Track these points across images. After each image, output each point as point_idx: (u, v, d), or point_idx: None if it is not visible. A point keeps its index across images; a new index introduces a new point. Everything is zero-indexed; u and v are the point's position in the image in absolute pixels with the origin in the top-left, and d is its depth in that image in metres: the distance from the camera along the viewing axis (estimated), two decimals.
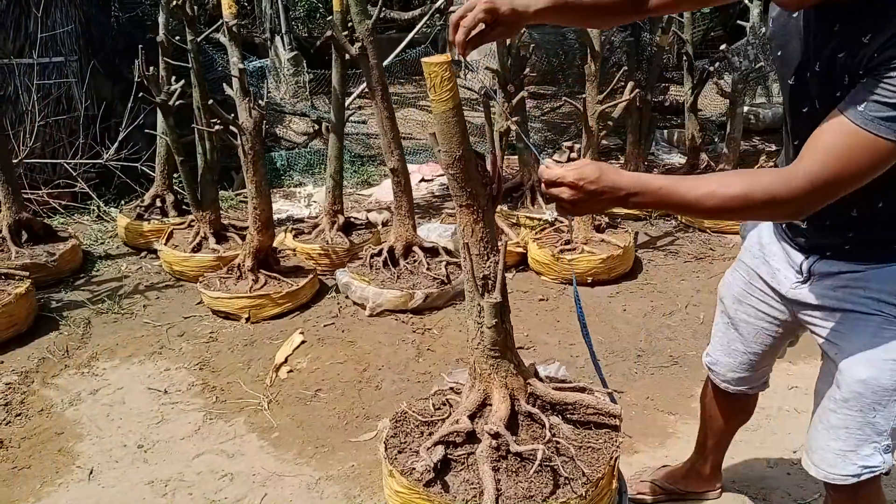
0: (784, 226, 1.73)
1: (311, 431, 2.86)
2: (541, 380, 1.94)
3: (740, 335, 1.90)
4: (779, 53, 1.56)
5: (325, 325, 3.69)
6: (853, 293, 1.55)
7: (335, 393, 3.11)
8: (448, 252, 4.08)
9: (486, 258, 1.71)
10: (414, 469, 1.74)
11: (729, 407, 2.13)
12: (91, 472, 2.65)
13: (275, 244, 4.01)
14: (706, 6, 1.64)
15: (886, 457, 1.57)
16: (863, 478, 1.59)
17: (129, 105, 4.94)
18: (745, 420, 2.21)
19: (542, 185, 1.47)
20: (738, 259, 1.93)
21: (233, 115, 3.59)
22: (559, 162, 1.47)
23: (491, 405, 1.80)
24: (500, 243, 1.69)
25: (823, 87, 1.41)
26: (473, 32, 1.50)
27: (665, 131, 7.27)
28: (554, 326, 3.64)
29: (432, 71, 1.53)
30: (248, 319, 3.70)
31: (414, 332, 3.59)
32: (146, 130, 4.91)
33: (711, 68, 5.33)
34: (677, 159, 6.68)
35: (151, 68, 4.14)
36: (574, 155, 6.73)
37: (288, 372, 3.28)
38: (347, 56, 4.16)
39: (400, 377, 3.21)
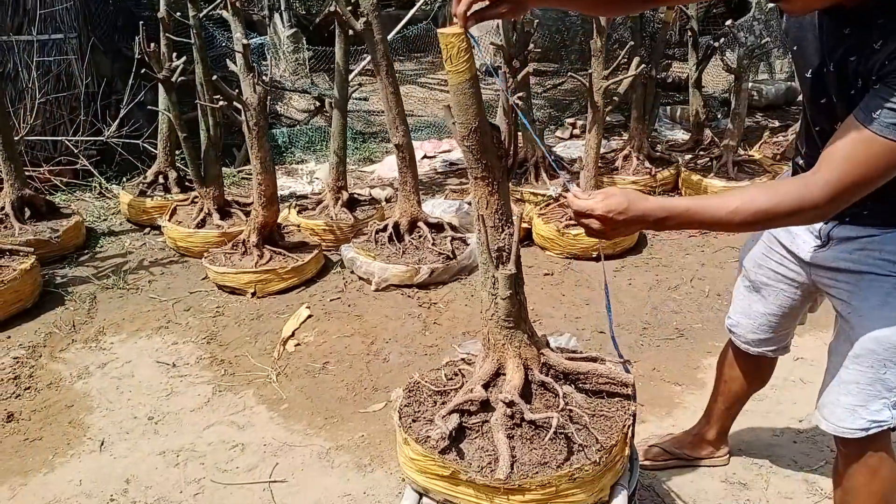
0: None
1: (320, 403, 2.88)
2: (553, 350, 1.95)
3: (761, 297, 1.95)
4: (795, 48, 1.59)
5: (331, 300, 3.70)
6: (869, 255, 1.60)
7: (343, 365, 3.13)
8: (453, 227, 4.08)
9: (500, 230, 1.72)
10: (429, 437, 1.76)
11: (747, 371, 2.18)
12: (102, 444, 2.67)
13: (279, 220, 4.01)
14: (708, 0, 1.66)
15: (895, 412, 1.63)
16: (871, 432, 1.64)
17: (130, 82, 4.90)
18: (760, 386, 2.25)
19: (572, 213, 1.52)
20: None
21: (237, 90, 3.57)
22: (567, 176, 1.50)
23: (505, 375, 1.81)
24: (514, 216, 1.70)
25: (839, 85, 1.45)
26: (476, 7, 1.49)
27: (668, 107, 7.25)
28: (559, 301, 3.66)
29: (448, 42, 1.52)
30: (253, 294, 3.71)
31: (420, 306, 3.61)
32: (148, 107, 4.89)
33: (716, 44, 5.30)
34: (680, 135, 6.67)
35: (153, 45, 4.11)
36: (577, 132, 6.71)
37: (295, 345, 3.29)
38: (351, 32, 4.14)
39: (407, 350, 3.23)
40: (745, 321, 2.04)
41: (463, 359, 2.14)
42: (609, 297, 1.81)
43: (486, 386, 1.82)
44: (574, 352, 2.09)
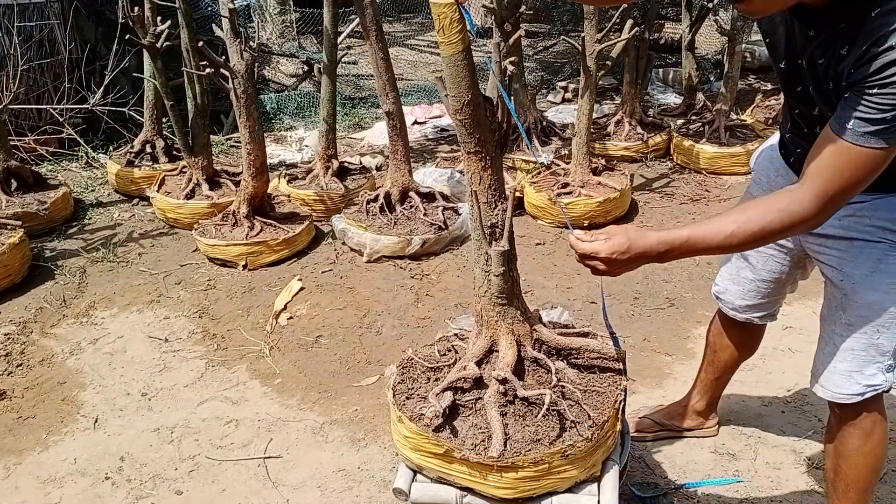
0: (793, 159, 1.77)
1: (313, 377, 2.88)
2: (545, 326, 1.95)
3: (749, 264, 1.97)
4: (767, 40, 1.61)
5: (322, 272, 3.68)
6: (858, 222, 1.61)
7: (336, 339, 3.13)
8: (445, 197, 4.06)
9: (493, 206, 1.70)
10: (423, 415, 1.76)
11: (736, 339, 2.20)
12: (96, 421, 2.67)
13: (269, 190, 3.97)
14: None
15: (888, 375, 1.67)
16: (866, 396, 1.68)
17: (114, 47, 4.79)
18: (749, 355, 2.28)
19: (576, 255, 1.58)
20: (746, 191, 2.00)
21: (223, 57, 3.50)
22: (565, 214, 1.48)
23: (498, 351, 1.81)
24: (507, 190, 1.68)
25: (812, 78, 1.48)
26: None
27: (660, 70, 7.17)
28: (551, 270, 3.66)
29: (441, 12, 1.48)
30: (245, 266, 3.69)
31: (412, 277, 3.60)
32: (134, 74, 4.79)
33: (710, 4, 5.22)
34: (672, 99, 6.61)
35: (136, 9, 4.00)
36: (569, 95, 6.64)
37: (288, 319, 3.29)
38: None
39: (400, 322, 3.23)
40: (733, 287, 2.06)
41: (456, 334, 2.14)
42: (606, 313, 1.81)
43: (479, 363, 1.82)
44: (566, 326, 2.09)
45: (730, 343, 2.23)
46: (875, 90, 1.29)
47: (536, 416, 1.71)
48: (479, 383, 1.80)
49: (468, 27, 1.50)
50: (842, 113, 1.35)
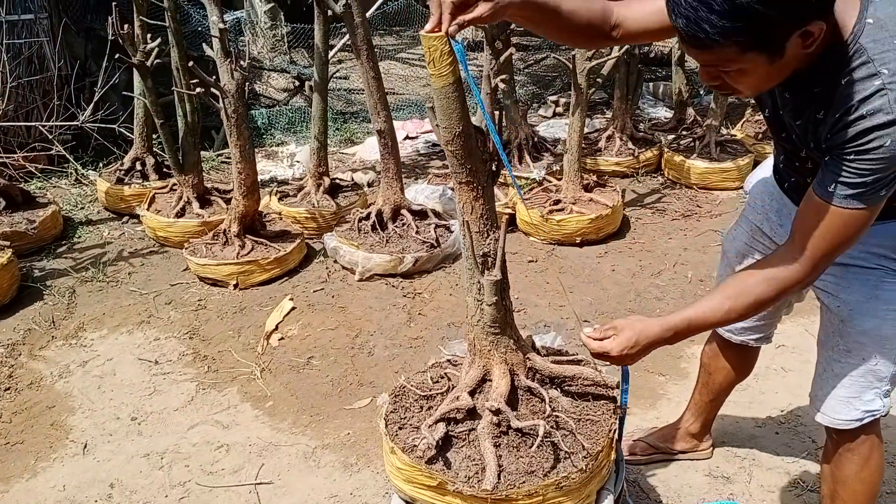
0: (787, 185, 1.78)
1: (305, 400, 2.86)
2: (538, 352, 1.94)
3: None
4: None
5: (314, 291, 3.67)
6: (854, 248, 1.59)
7: (328, 360, 3.11)
8: (437, 214, 4.05)
9: (485, 235, 1.69)
10: (416, 446, 1.75)
11: (732, 361, 2.20)
12: (85, 446, 2.64)
13: (260, 208, 3.95)
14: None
15: (886, 401, 1.69)
16: (864, 421, 1.69)
17: (104, 64, 4.77)
18: (743, 377, 2.28)
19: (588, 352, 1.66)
20: (742, 215, 2.02)
21: (214, 76, 3.49)
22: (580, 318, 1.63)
23: (491, 381, 1.80)
24: (500, 220, 1.67)
25: (793, 132, 1.51)
26: (459, 19, 1.41)
27: (650, 84, 7.20)
28: (543, 288, 3.65)
29: (431, 45, 1.47)
30: (236, 286, 3.67)
31: (404, 296, 3.58)
32: (123, 92, 4.77)
33: None
34: (663, 113, 6.64)
35: (126, 26, 3.99)
36: (560, 109, 6.65)
37: (279, 339, 3.27)
38: (330, 12, 4.05)
39: (392, 342, 3.21)
40: None
41: (449, 360, 2.13)
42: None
43: (472, 393, 1.81)
44: (560, 352, 2.08)
45: (725, 365, 2.23)
46: (852, 156, 1.31)
47: (531, 448, 1.70)
48: (472, 413, 1.79)
49: (458, 60, 1.49)
50: (823, 177, 1.38)
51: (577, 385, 1.89)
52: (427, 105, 1.66)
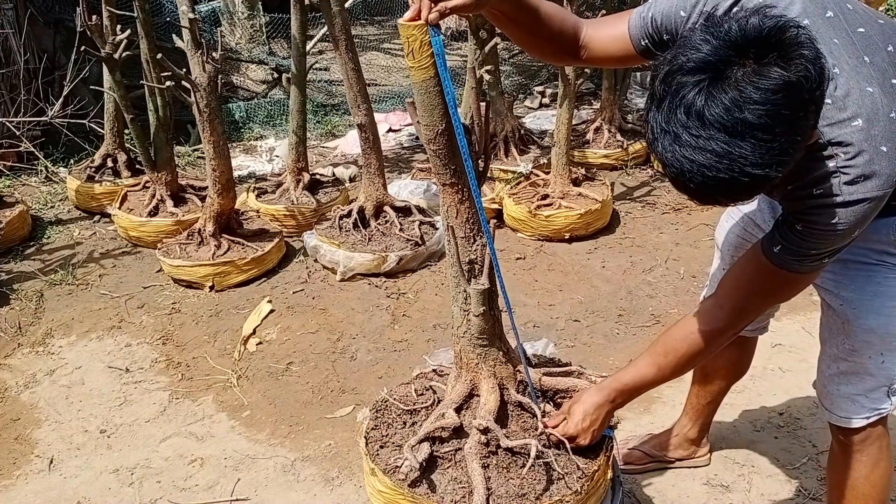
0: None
1: (284, 408, 2.73)
2: (530, 363, 1.82)
3: None
4: None
5: (294, 292, 3.52)
6: (854, 245, 1.53)
7: (308, 365, 2.97)
8: (421, 210, 3.91)
9: (472, 241, 1.56)
10: (398, 467, 1.62)
11: (727, 357, 2.12)
12: (51, 462, 2.50)
13: (237, 205, 3.80)
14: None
15: (893, 399, 1.65)
16: (871, 419, 1.66)
17: (73, 56, 4.58)
18: (741, 374, 2.21)
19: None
20: (732, 207, 1.93)
21: (185, 69, 3.32)
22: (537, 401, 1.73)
23: (479, 396, 1.68)
24: (489, 225, 1.54)
25: None
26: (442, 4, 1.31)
27: (638, 73, 7.07)
28: (532, 287, 3.53)
29: (410, 35, 1.34)
30: (212, 288, 3.52)
31: (388, 296, 3.45)
32: (92, 86, 4.58)
33: None
34: None
35: (95, 17, 3.81)
36: (546, 100, 6.52)
37: (257, 344, 3.13)
38: (308, 1, 3.89)
39: (375, 346, 3.08)
40: None
41: (434, 370, 2.01)
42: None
43: (458, 409, 1.68)
44: (552, 360, 1.96)
45: (722, 363, 2.15)
46: (800, 226, 1.32)
47: (522, 468, 1.58)
48: (458, 432, 1.67)
49: (435, 52, 1.36)
50: (772, 235, 1.40)
51: (569, 396, 1.77)
52: (407, 100, 1.53)
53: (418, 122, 1.49)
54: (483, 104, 1.64)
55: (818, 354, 1.73)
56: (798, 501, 2.22)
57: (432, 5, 1.31)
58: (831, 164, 1.25)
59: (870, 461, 1.71)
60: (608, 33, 1.50)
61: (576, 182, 4.09)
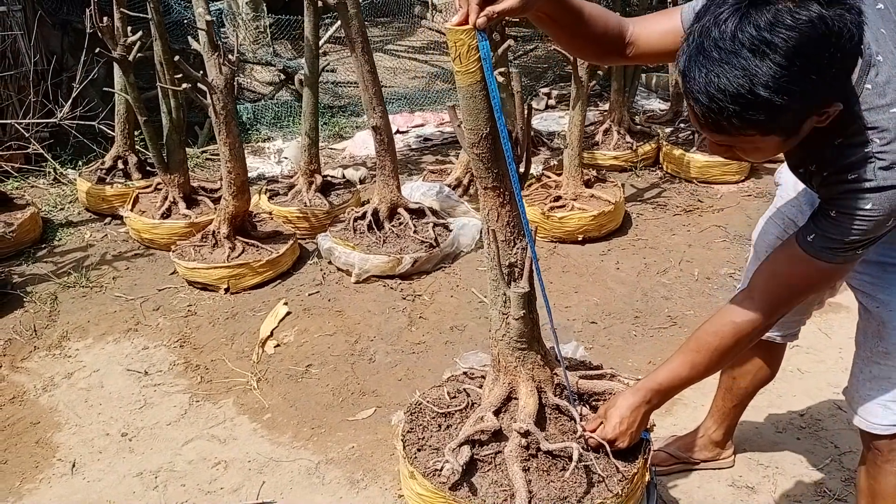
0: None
1: (305, 411, 2.73)
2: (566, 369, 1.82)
3: None
4: None
5: (309, 294, 3.52)
6: (892, 247, 1.55)
7: (327, 368, 2.97)
8: (434, 212, 3.91)
9: (512, 244, 1.57)
10: (438, 470, 1.63)
11: (758, 361, 2.12)
12: (74, 465, 2.49)
13: (249, 207, 3.79)
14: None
15: None
16: None
17: (82, 58, 4.57)
18: (769, 378, 2.19)
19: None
20: (773, 206, 1.96)
21: (201, 71, 3.32)
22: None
23: (517, 399, 1.68)
24: (530, 229, 1.54)
25: (799, 176, 1.51)
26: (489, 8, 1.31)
27: (643, 75, 7.10)
28: (547, 289, 3.48)
29: (457, 39, 1.34)
30: (227, 290, 3.51)
31: (404, 298, 3.45)
32: (103, 88, 4.57)
33: None
34: (657, 105, 6.55)
35: (105, 18, 3.79)
36: (553, 102, 6.52)
37: (275, 346, 3.12)
38: (321, 3, 3.89)
39: (393, 348, 3.08)
40: None
41: (465, 373, 2.01)
42: None
43: (497, 412, 1.69)
44: (584, 363, 1.97)
45: (751, 367, 2.15)
46: (835, 212, 1.33)
47: (562, 471, 1.58)
48: (497, 435, 1.67)
49: (482, 56, 1.36)
50: (806, 226, 1.42)
51: (606, 399, 1.78)
52: (448, 104, 1.53)
53: (460, 125, 1.49)
54: (526, 108, 1.64)
55: (851, 358, 1.73)
56: (823, 503, 2.22)
57: (480, 10, 1.31)
58: (867, 149, 1.27)
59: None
60: (658, 29, 1.51)
61: (588, 184, 4.10)
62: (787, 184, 1.90)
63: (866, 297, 1.62)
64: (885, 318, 1.58)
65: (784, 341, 2.09)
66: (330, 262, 3.75)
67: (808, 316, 2.05)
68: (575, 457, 1.53)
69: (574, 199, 3.96)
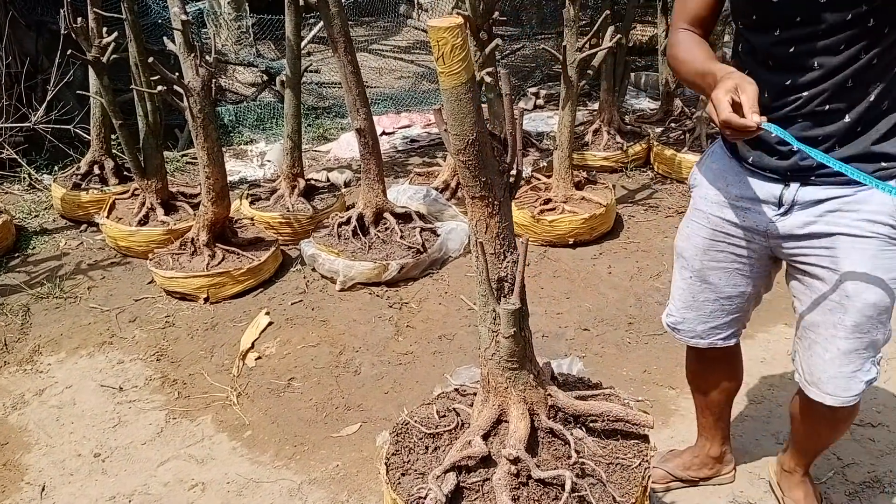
0: (757, 153, 1.62)
1: (287, 427, 2.61)
2: (558, 384, 1.72)
3: (710, 285, 1.83)
4: None
5: (292, 304, 3.40)
6: (844, 217, 1.54)
7: (310, 381, 2.86)
8: (421, 217, 3.80)
9: (502, 257, 1.46)
10: (422, 498, 1.52)
11: (717, 371, 2.07)
12: (43, 489, 2.37)
13: (230, 213, 3.67)
14: None
15: (878, 367, 1.67)
16: (863, 391, 1.67)
17: (57, 60, 4.43)
18: (737, 384, 2.13)
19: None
20: (692, 209, 1.84)
21: (177, 73, 3.19)
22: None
23: (507, 422, 1.57)
24: (520, 241, 1.44)
25: None
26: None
27: (632, 74, 7.01)
28: (538, 294, 3.43)
29: (440, 37, 1.23)
30: (206, 300, 3.39)
31: (390, 306, 3.34)
32: (78, 91, 4.43)
33: None
34: (647, 104, 6.47)
35: (80, 19, 3.66)
36: (541, 102, 6.43)
37: (256, 359, 3.01)
38: (302, 1, 3.77)
39: (379, 360, 2.97)
40: (691, 314, 1.91)
41: (456, 389, 1.91)
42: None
43: (486, 436, 1.58)
44: (582, 381, 1.86)
45: (714, 380, 2.09)
46: None
47: (554, 500, 1.48)
48: (486, 461, 1.56)
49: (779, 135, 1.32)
50: None
51: (603, 421, 1.68)
52: (433, 107, 1.42)
53: (446, 130, 1.39)
54: (517, 112, 1.54)
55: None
56: None
57: (750, 107, 1.29)
58: None
59: (846, 426, 1.83)
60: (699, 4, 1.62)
61: (578, 186, 4.00)
62: (704, 185, 1.79)
63: (826, 270, 1.58)
64: (850, 291, 1.55)
65: (727, 343, 1.95)
66: (314, 270, 3.64)
67: (746, 318, 1.93)
68: (568, 486, 1.43)
69: (564, 202, 3.86)
